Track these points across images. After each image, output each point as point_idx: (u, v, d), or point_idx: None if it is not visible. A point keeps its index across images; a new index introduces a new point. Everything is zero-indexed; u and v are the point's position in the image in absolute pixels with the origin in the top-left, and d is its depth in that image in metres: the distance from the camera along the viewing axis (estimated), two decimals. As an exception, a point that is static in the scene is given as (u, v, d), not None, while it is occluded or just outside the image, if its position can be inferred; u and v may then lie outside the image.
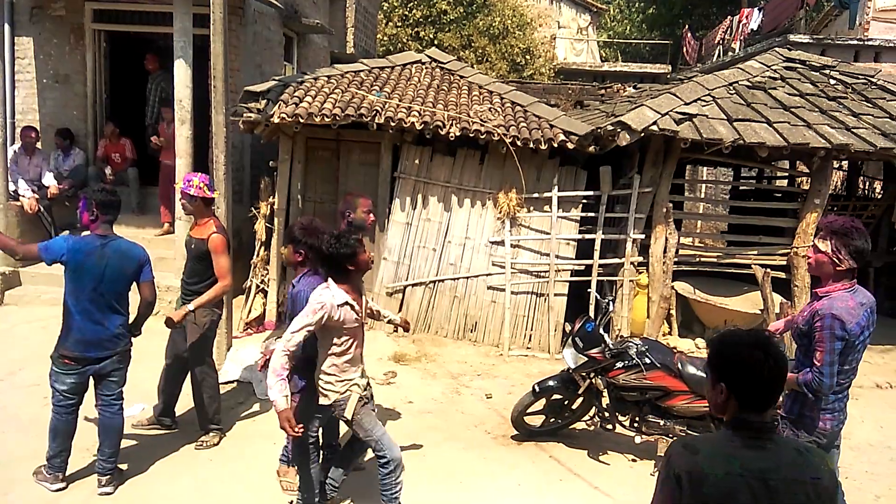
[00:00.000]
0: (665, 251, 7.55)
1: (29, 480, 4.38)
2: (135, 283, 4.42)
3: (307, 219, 4.54)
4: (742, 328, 2.16)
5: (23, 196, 8.40)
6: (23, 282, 8.26)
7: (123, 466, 4.60)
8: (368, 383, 4.14)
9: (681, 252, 7.78)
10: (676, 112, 7.14)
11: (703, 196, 14.17)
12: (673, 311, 7.91)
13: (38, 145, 8.88)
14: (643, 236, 7.61)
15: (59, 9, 9.16)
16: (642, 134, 6.91)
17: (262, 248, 8.02)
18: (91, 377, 4.34)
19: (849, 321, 3.34)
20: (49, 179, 8.67)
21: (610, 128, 7.02)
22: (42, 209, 8.50)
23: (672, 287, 7.73)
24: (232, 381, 6.20)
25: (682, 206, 9.00)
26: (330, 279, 3.83)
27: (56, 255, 4.14)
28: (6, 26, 8.80)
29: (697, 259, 7.95)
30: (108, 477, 4.39)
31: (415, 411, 5.96)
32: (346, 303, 3.78)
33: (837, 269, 3.40)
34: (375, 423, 4.05)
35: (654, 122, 6.92)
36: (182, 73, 7.60)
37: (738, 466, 1.90)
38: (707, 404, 4.89)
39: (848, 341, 3.39)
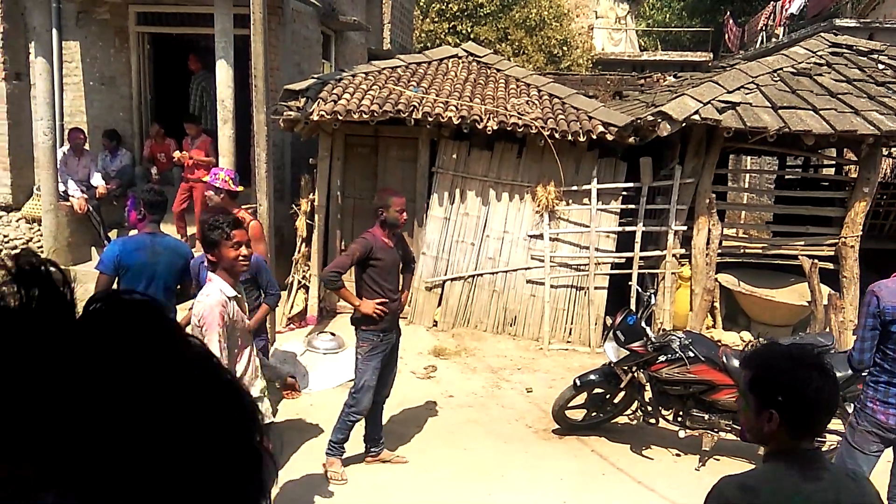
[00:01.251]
0: (708, 243, 7.43)
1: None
2: None
3: (217, 207, 4.64)
4: (779, 341, 2.01)
5: (72, 196, 8.64)
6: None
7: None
8: (269, 404, 3.52)
9: (724, 243, 7.64)
10: (719, 101, 7.00)
11: (747, 186, 13.87)
12: (717, 304, 7.77)
13: (86, 146, 9.12)
14: (685, 228, 7.50)
15: (104, 13, 9.39)
16: (683, 124, 6.80)
17: (303, 244, 8.12)
18: None
19: (886, 298, 3.27)
20: (97, 180, 8.90)
21: (650, 118, 6.92)
22: (91, 209, 8.73)
23: (716, 279, 7.60)
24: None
25: (725, 197, 8.83)
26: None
27: (111, 262, 4.25)
28: (54, 31, 9.04)
29: (742, 250, 7.80)
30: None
31: (455, 405, 5.98)
32: (236, 297, 3.26)
33: None
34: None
35: (696, 112, 6.80)
36: (224, 73, 7.72)
37: (803, 503, 1.73)
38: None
39: (882, 319, 3.32)
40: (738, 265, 7.92)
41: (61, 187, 8.61)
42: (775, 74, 7.67)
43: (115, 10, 9.35)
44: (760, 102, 7.09)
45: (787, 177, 11.24)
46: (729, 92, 7.16)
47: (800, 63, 7.97)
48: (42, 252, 8.54)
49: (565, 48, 20.47)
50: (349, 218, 8.12)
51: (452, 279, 7.82)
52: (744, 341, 7.57)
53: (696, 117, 6.78)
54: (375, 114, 7.28)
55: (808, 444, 1.81)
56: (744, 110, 6.94)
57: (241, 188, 5.37)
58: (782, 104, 7.04)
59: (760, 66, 7.84)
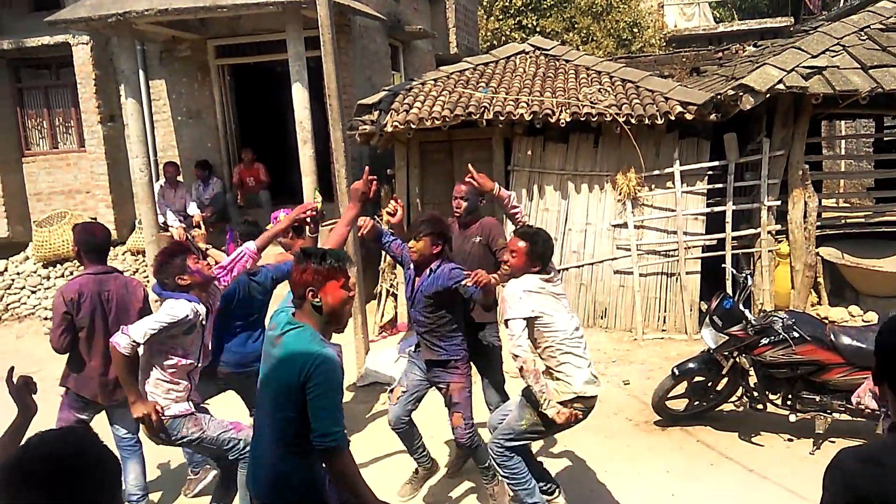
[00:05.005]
0: (805, 216, 7.08)
1: None
2: None
3: (429, 213, 4.59)
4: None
5: (172, 226, 9.12)
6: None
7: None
8: None
9: (823, 215, 7.27)
10: (803, 67, 6.68)
11: (843, 153, 13.12)
12: (821, 280, 7.39)
13: (180, 178, 9.62)
14: (779, 203, 7.18)
15: (185, 50, 9.89)
16: (767, 95, 6.53)
17: (389, 253, 8.27)
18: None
19: None
20: (193, 209, 9.37)
21: (731, 92, 6.68)
22: (190, 237, 9.19)
23: (817, 254, 7.24)
24: (370, 384, 6.46)
25: (820, 166, 8.41)
26: None
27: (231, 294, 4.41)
28: (140, 72, 9.59)
29: (843, 221, 7.41)
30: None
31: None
32: None
33: None
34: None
35: (780, 81, 6.51)
36: (300, 95, 7.98)
37: None
38: (866, 375, 4.57)
39: None
40: (840, 237, 7.51)
41: (160, 219, 9.11)
42: (862, 33, 7.24)
43: (195, 46, 9.83)
44: (848, 64, 6.72)
45: (885, 139, 10.57)
46: (813, 56, 6.82)
47: (888, 18, 7.48)
48: (148, 283, 9.06)
49: (635, 30, 19.98)
50: (431, 224, 8.19)
51: (539, 276, 7.77)
52: (852, 316, 7.18)
53: (781, 86, 6.50)
54: (447, 119, 7.34)
55: None
56: (831, 74, 6.59)
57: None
58: (872, 63, 6.65)
59: (845, 25, 7.42)
